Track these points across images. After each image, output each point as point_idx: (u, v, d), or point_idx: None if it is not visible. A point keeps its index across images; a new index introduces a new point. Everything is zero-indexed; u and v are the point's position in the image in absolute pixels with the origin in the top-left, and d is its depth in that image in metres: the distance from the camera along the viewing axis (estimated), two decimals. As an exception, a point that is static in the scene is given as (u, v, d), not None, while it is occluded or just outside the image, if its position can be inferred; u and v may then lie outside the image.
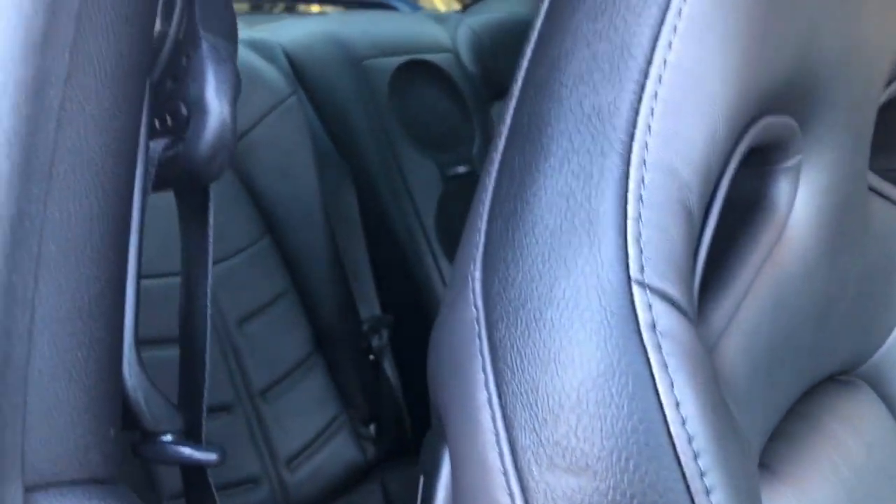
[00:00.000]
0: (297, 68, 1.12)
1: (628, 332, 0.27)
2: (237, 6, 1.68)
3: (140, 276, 0.35)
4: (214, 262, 0.95)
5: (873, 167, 0.42)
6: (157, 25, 0.33)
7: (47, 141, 0.27)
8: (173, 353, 0.57)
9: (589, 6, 0.29)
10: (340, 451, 1.01)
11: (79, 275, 0.29)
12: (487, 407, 0.28)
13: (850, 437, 0.42)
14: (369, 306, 1.06)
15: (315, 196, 1.03)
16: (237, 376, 0.94)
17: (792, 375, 0.40)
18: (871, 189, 0.44)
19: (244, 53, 1.03)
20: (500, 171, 0.30)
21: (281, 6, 1.73)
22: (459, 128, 1.18)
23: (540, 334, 0.27)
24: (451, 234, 1.10)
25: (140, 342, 0.34)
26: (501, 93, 1.42)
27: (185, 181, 0.37)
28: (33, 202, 0.27)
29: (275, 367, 0.98)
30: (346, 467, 1.01)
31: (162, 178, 0.37)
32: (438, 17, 1.44)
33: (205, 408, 0.38)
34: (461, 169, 1.14)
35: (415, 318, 1.07)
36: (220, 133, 0.34)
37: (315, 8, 1.98)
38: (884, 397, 0.47)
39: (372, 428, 1.04)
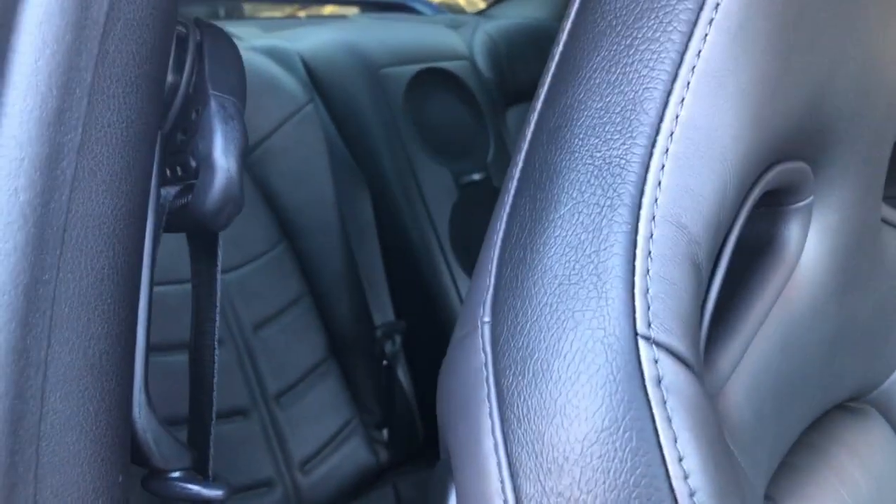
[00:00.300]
0: (315, 76, 1.13)
1: (634, 387, 0.27)
2: (254, 7, 1.70)
3: (150, 320, 0.36)
4: (232, 268, 0.97)
5: (885, 195, 0.42)
6: (169, 78, 0.34)
7: (60, 210, 0.29)
8: (180, 358, 0.60)
9: (603, 57, 0.29)
10: (353, 455, 1.03)
11: (90, 332, 0.30)
12: (493, 454, 0.28)
13: (856, 469, 0.42)
14: (383, 312, 1.07)
15: (331, 203, 1.04)
16: (253, 381, 0.96)
17: (800, 409, 0.41)
18: (884, 220, 0.44)
19: (262, 61, 1.05)
20: (510, 217, 0.31)
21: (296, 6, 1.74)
22: (474, 135, 1.19)
23: (547, 385, 0.28)
24: (465, 241, 1.11)
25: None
26: (517, 99, 1.43)
27: (194, 228, 0.39)
28: (47, 269, 0.29)
29: (290, 372, 1.00)
30: (358, 471, 1.03)
31: (173, 223, 0.39)
32: (455, 23, 1.44)
33: (212, 444, 0.40)
34: (475, 176, 1.15)
35: (428, 324, 1.08)
36: (227, 189, 0.35)
37: (328, 9, 1.99)
38: (893, 423, 0.47)
39: (384, 432, 1.06)
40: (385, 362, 1.06)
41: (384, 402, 1.06)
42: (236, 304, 0.97)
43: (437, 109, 1.16)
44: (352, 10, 1.97)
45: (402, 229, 1.08)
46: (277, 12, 2.02)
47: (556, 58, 0.32)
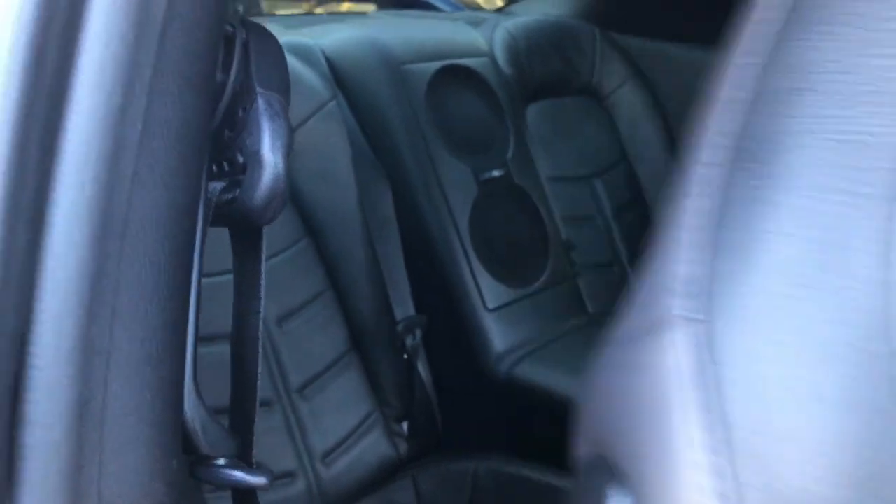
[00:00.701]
0: (337, 73, 1.14)
1: (878, 408, 0.22)
2: (271, 5, 1.71)
3: (199, 311, 0.37)
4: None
5: None
6: (217, 76, 0.35)
7: (121, 204, 0.30)
8: (221, 349, 0.61)
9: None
10: (374, 447, 1.05)
11: (148, 323, 0.31)
12: (704, 471, 0.23)
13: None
14: (404, 306, 1.09)
15: (353, 199, 1.05)
16: (276, 374, 0.97)
17: None
18: None
19: (292, 60, 1.06)
20: (721, 195, 0.25)
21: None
22: (494, 131, 1.19)
23: (775, 400, 0.23)
24: (485, 237, 1.12)
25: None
26: (536, 95, 1.43)
27: (240, 222, 0.40)
28: (110, 260, 0.30)
29: (312, 365, 1.01)
30: (379, 463, 1.04)
31: (218, 217, 0.40)
32: (476, 20, 1.45)
33: (255, 433, 0.41)
34: (496, 172, 1.16)
35: (448, 318, 1.09)
36: (274, 185, 0.36)
37: (345, 6, 2.00)
38: None
39: (405, 425, 1.07)
40: (405, 356, 1.07)
41: (404, 396, 1.07)
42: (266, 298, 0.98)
43: (458, 106, 1.16)
44: (369, 7, 1.98)
45: (422, 225, 1.09)
46: (296, 9, 2.03)
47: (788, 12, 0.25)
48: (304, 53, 1.13)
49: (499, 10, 1.78)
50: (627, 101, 1.55)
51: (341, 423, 1.02)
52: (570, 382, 1.00)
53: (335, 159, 1.06)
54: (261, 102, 0.36)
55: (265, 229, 1.01)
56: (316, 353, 1.02)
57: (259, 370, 0.43)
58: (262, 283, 0.42)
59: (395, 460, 1.06)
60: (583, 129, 1.49)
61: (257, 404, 0.42)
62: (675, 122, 1.57)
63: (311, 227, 1.06)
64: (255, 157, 0.36)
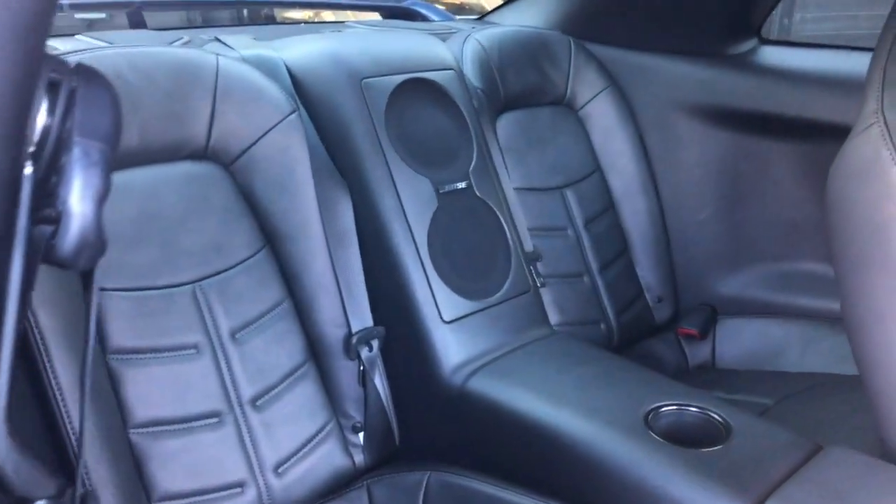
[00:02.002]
0: (299, 85, 1.15)
1: None
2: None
3: (16, 346, 0.37)
4: (213, 274, 0.99)
5: None
6: (46, 121, 0.36)
7: None
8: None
9: None
10: (329, 458, 1.06)
11: None
12: None
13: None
14: (361, 317, 1.09)
15: (312, 209, 1.07)
16: (229, 385, 0.99)
17: None
18: None
19: (249, 71, 1.07)
20: None
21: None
22: (457, 144, 1.20)
23: None
24: (443, 249, 1.13)
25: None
26: (508, 106, 1.44)
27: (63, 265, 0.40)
28: None
29: (267, 376, 1.02)
30: (334, 473, 1.06)
31: (51, 259, 0.40)
32: (447, 33, 1.46)
33: (80, 468, 0.41)
34: (457, 185, 1.17)
35: (404, 330, 1.10)
36: (82, 234, 0.37)
37: (330, 15, 2.02)
38: None
39: (361, 436, 1.08)
40: (362, 367, 1.08)
41: (361, 407, 1.08)
42: (215, 310, 1.00)
43: (419, 119, 1.17)
44: (372, 16, 1.99)
45: (381, 236, 1.10)
46: (304, 15, 2.04)
47: None
48: (267, 66, 1.15)
49: (478, 19, 1.79)
50: (601, 111, 1.56)
51: (295, 434, 1.03)
52: (522, 396, 1.00)
53: (294, 170, 1.07)
54: (76, 152, 0.37)
55: (222, 239, 1.01)
56: (271, 364, 1.03)
57: (86, 401, 0.43)
58: (93, 318, 0.43)
59: (350, 471, 1.07)
60: (556, 140, 1.50)
61: (83, 440, 0.42)
62: (648, 133, 1.57)
63: (270, 237, 1.08)
64: (65, 207, 0.37)
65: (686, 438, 0.90)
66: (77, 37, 1.19)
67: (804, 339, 1.45)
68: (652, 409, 0.94)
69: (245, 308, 1.03)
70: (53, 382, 0.82)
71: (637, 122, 1.57)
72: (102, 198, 0.38)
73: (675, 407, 0.95)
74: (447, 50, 1.27)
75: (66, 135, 0.37)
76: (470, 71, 1.35)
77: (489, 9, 1.80)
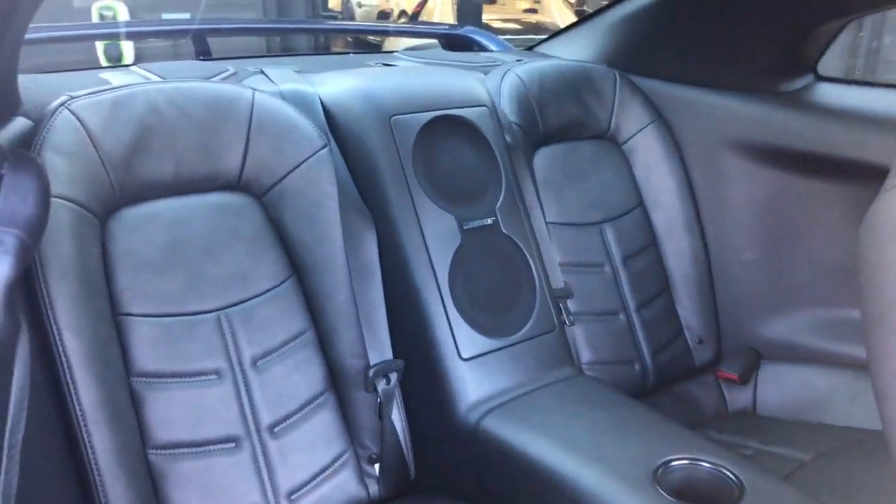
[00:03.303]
0: (332, 120, 1.18)
1: None
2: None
3: None
4: (239, 302, 1.03)
5: None
6: None
7: None
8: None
9: None
10: (343, 487, 1.07)
11: None
12: None
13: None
14: (381, 350, 1.11)
15: (337, 244, 1.09)
16: (248, 411, 1.02)
17: None
18: None
19: (284, 107, 1.11)
20: None
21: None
22: (485, 180, 1.21)
23: None
24: (465, 286, 1.13)
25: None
26: (549, 139, 1.44)
27: None
28: None
29: (286, 403, 1.05)
30: (347, 502, 1.07)
31: None
32: (490, 66, 1.47)
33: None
34: (483, 221, 1.17)
35: (423, 365, 1.11)
36: None
37: (406, 41, 2.07)
38: None
39: (377, 467, 1.10)
40: (379, 399, 1.09)
41: (378, 439, 1.10)
42: (238, 337, 1.03)
43: (447, 155, 1.18)
44: (430, 41, 2.03)
45: (403, 271, 1.12)
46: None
47: None
48: (303, 101, 1.18)
49: (529, 49, 1.80)
50: (646, 145, 1.53)
51: (311, 462, 1.05)
52: (533, 439, 1.00)
53: (323, 204, 1.10)
54: None
55: (249, 268, 1.04)
56: (291, 392, 1.06)
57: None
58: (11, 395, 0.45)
59: (364, 501, 1.08)
60: (597, 174, 1.48)
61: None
62: (693, 169, 1.54)
63: (297, 268, 1.11)
64: None
65: (695, 496, 0.88)
66: (132, 68, 1.26)
67: (851, 391, 1.38)
68: (663, 463, 0.92)
69: (268, 336, 1.06)
70: (76, 403, 0.87)
71: (683, 158, 1.54)
72: (11, 285, 0.40)
73: (687, 461, 0.92)
74: (482, 86, 1.28)
75: None
76: (507, 105, 1.35)
77: (563, 27, 1.80)
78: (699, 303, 1.53)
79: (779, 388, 1.47)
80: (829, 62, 1.56)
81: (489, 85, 1.35)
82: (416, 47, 2.13)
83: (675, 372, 1.48)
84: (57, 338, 0.86)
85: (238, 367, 1.03)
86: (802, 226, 1.46)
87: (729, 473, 0.90)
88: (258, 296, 1.06)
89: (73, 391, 0.86)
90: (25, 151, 0.42)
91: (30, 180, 0.41)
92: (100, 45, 2.28)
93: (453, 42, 1.96)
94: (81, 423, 0.87)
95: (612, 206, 1.48)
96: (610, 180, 1.50)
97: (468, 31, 2.01)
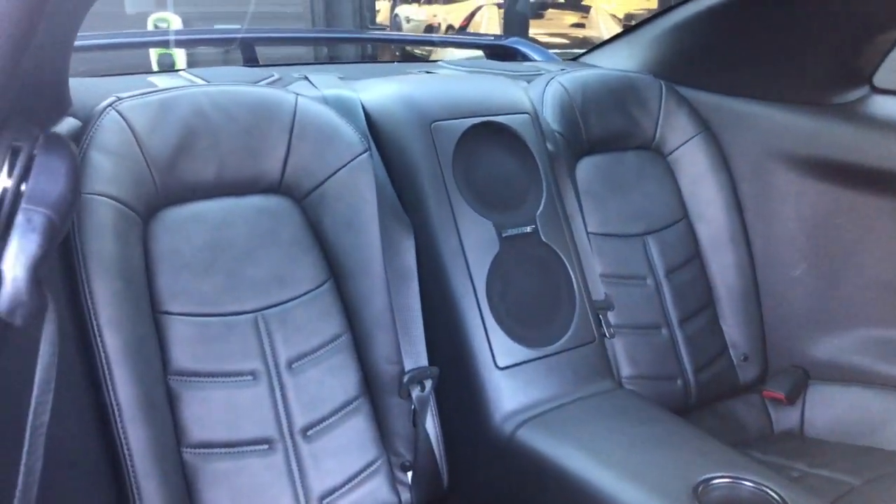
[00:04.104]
0: (374, 126, 1.18)
1: None
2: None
3: None
4: (276, 304, 1.03)
5: None
6: (3, 183, 0.39)
7: None
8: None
9: None
10: (375, 494, 1.06)
11: None
12: None
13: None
14: (417, 357, 1.10)
15: (375, 249, 1.09)
16: (282, 413, 1.02)
17: None
18: None
19: (326, 112, 1.12)
20: None
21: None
22: (525, 188, 1.19)
23: None
24: (502, 294, 1.12)
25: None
26: (592, 149, 1.42)
27: None
28: None
29: (320, 407, 1.05)
30: (378, 509, 1.06)
31: None
32: (534, 75, 1.46)
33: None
34: (522, 229, 1.16)
35: (458, 373, 1.10)
36: (14, 296, 0.39)
37: (453, 51, 2.07)
38: None
39: (410, 474, 1.08)
40: (413, 406, 1.08)
41: (411, 446, 1.09)
42: (274, 339, 1.04)
43: (487, 162, 1.18)
44: (476, 53, 2.04)
45: (440, 278, 1.11)
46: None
47: None
48: (345, 106, 1.19)
49: (574, 59, 1.78)
50: (691, 157, 1.51)
51: (344, 467, 1.05)
52: (570, 452, 0.97)
53: (362, 209, 1.10)
54: (20, 217, 0.39)
55: (287, 271, 1.04)
56: (325, 395, 1.05)
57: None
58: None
59: (395, 508, 1.07)
60: (640, 185, 1.46)
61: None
62: (741, 182, 1.50)
63: (335, 272, 1.11)
64: (1, 270, 0.39)
65: None
66: (179, 73, 1.28)
67: (905, 415, 1.33)
68: (704, 481, 0.89)
69: (304, 339, 1.06)
70: (113, 398, 0.88)
71: (730, 171, 1.50)
72: (37, 263, 0.40)
73: (729, 480, 0.89)
74: (524, 93, 1.27)
75: (18, 199, 0.40)
76: (550, 114, 1.34)
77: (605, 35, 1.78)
78: (744, 319, 1.49)
79: (828, 409, 1.42)
80: (886, 75, 1.51)
81: (532, 93, 1.34)
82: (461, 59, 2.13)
83: (718, 389, 1.44)
84: (97, 333, 0.87)
85: (274, 368, 1.03)
86: (854, 241, 1.41)
87: (773, 494, 0.87)
88: (295, 298, 1.07)
89: (110, 387, 0.87)
90: (58, 134, 0.42)
91: (60, 161, 0.41)
92: (153, 55, 2.36)
93: (498, 52, 1.96)
94: (118, 419, 0.88)
95: (656, 217, 1.45)
96: (654, 192, 1.47)
97: (513, 41, 2.01)
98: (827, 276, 1.45)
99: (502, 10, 7.40)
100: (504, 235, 1.14)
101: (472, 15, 8.11)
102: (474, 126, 1.17)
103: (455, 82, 1.29)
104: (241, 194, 1.08)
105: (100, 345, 0.87)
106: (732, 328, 1.48)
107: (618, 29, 7.69)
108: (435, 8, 9.32)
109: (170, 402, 0.96)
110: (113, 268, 0.90)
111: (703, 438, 1.00)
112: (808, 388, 1.45)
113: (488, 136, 1.19)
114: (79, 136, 0.95)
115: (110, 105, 0.97)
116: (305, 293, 1.08)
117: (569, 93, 1.38)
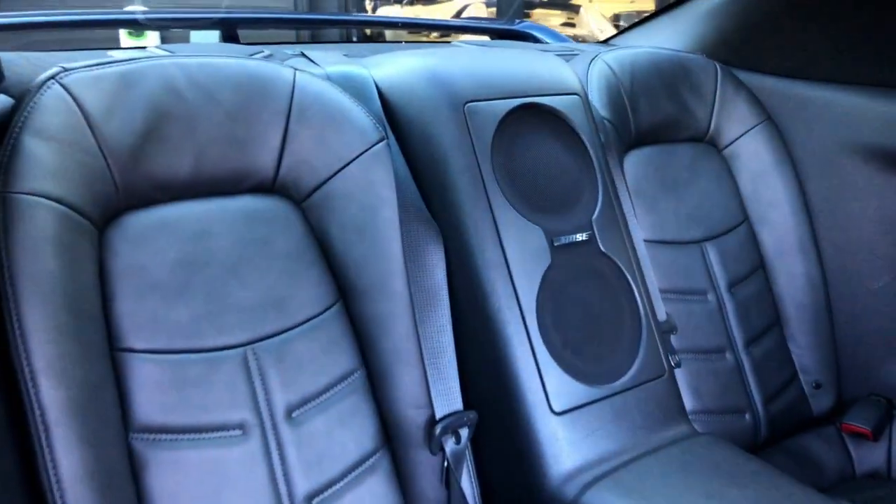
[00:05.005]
0: (391, 109, 0.96)
1: None
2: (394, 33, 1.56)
3: None
4: (269, 336, 0.80)
5: None
6: None
7: None
8: None
9: None
10: (399, 574, 0.84)
11: None
12: None
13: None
14: (449, 399, 0.87)
15: (396, 261, 0.86)
16: (279, 479, 0.78)
17: None
18: None
19: (331, 90, 0.89)
20: None
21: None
22: (579, 186, 0.97)
23: None
24: (557, 319, 0.90)
25: None
26: (640, 141, 1.20)
27: None
28: None
29: (329, 467, 0.82)
30: None
31: None
32: (569, 54, 1.24)
33: None
34: (577, 237, 0.93)
35: (503, 419, 0.87)
36: None
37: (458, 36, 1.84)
38: None
39: (441, 548, 0.86)
40: (445, 462, 0.85)
41: (443, 511, 0.86)
42: (269, 381, 0.80)
43: (534, 154, 0.95)
44: (482, 38, 1.81)
45: (478, 298, 0.88)
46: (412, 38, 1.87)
47: None
48: (355, 86, 0.96)
49: (602, 43, 1.57)
50: (752, 151, 1.29)
51: (359, 542, 0.82)
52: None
53: (378, 211, 0.87)
54: None
55: (283, 293, 0.82)
56: (335, 452, 0.82)
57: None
58: None
59: (424, 592, 0.84)
60: (695, 183, 1.24)
61: None
62: (810, 180, 1.29)
63: (344, 292, 0.88)
64: None
65: None
66: (148, 48, 1.04)
67: None
68: None
69: (307, 379, 0.83)
70: (53, 473, 0.64)
71: (797, 167, 1.29)
72: None
73: None
74: (571, 72, 1.05)
75: None
76: (596, 98, 1.12)
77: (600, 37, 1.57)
78: (816, 340, 1.28)
79: (921, 446, 1.21)
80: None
81: (575, 73, 1.12)
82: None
83: (789, 423, 1.23)
84: (30, 384, 0.64)
85: (269, 419, 0.80)
86: (950, 249, 1.21)
87: None
88: (295, 327, 0.84)
89: (50, 457, 0.64)
90: None
91: None
92: (124, 35, 2.10)
93: (507, 38, 1.74)
94: (59, 499, 0.64)
95: (714, 221, 1.24)
96: (710, 191, 1.26)
97: (526, 26, 1.79)
98: (914, 289, 1.24)
99: (489, 10, 7.21)
100: (556, 245, 0.91)
101: (458, 14, 7.91)
102: (517, 108, 0.94)
103: (489, 56, 1.06)
104: (225, 195, 0.85)
105: (35, 399, 0.64)
106: (802, 351, 1.27)
107: (611, 29, 7.51)
108: (417, 9, 9.12)
109: (133, 469, 0.73)
110: (54, 294, 0.66)
111: (813, 498, 0.79)
112: (895, 420, 1.24)
113: (532, 121, 0.96)
114: (9, 118, 0.71)
115: (53, 77, 0.74)
116: (308, 320, 0.85)
117: (616, 74, 1.17)
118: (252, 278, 0.82)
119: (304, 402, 0.82)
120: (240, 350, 0.80)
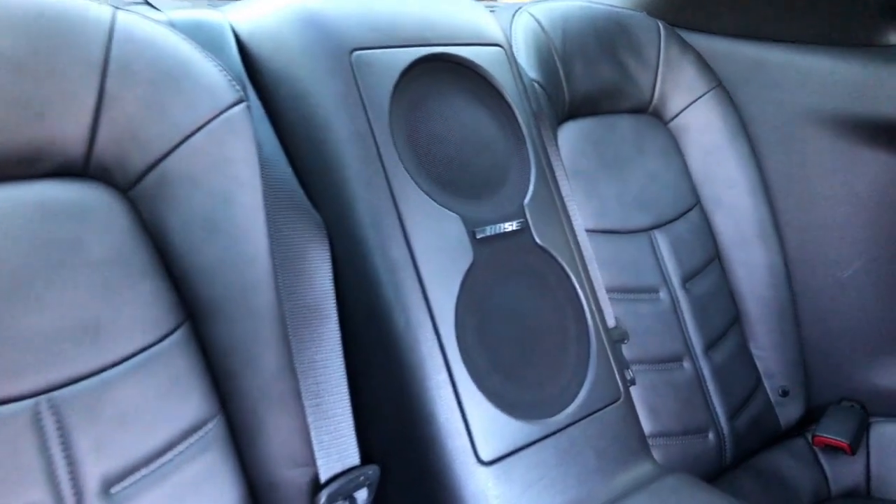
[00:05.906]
0: (253, 62, 0.72)
1: None
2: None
3: None
4: (82, 377, 0.56)
5: None
6: None
7: None
8: None
9: None
10: None
11: None
12: None
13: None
14: (340, 452, 0.65)
15: (262, 265, 0.63)
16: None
17: None
18: None
19: (167, 36, 0.65)
20: None
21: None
22: (505, 163, 0.76)
23: None
24: (481, 336, 0.68)
25: None
26: (575, 112, 1.00)
27: None
28: None
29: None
30: None
31: None
32: (489, 6, 1.03)
33: None
34: (505, 227, 0.72)
35: (412, 474, 0.65)
36: None
37: None
38: None
39: None
40: (338, 539, 0.63)
41: None
42: (76, 445, 0.56)
43: (446, 119, 0.73)
44: None
45: (377, 311, 0.66)
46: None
47: None
48: (206, 34, 0.73)
49: None
50: (702, 122, 1.12)
51: None
52: None
53: (234, 199, 0.64)
54: None
55: (101, 314, 0.58)
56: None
57: None
58: None
59: None
60: (640, 162, 1.06)
61: None
62: (768, 154, 1.13)
63: (191, 309, 0.64)
64: None
65: None
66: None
67: None
68: None
69: (134, 438, 0.59)
70: None
71: (753, 140, 1.12)
72: None
73: None
74: (492, 18, 0.83)
75: None
76: (523, 57, 0.92)
77: None
78: (780, 339, 1.11)
79: (903, 457, 1.06)
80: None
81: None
82: None
83: (756, 439, 1.05)
84: None
85: (72, 500, 0.55)
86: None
87: None
88: (117, 363, 0.59)
89: None
90: None
91: None
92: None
93: None
94: None
95: (663, 205, 1.05)
96: (657, 170, 1.07)
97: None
98: (887, 278, 1.09)
99: None
100: (479, 237, 0.70)
101: None
102: (422, 59, 0.72)
103: None
104: (11, 180, 0.60)
105: None
106: (766, 353, 1.10)
107: None
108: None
109: None
110: None
111: None
112: (871, 429, 1.09)
113: (445, 77, 0.74)
114: None
115: None
116: (136, 353, 0.60)
117: (545, 30, 0.96)
118: (50, 297, 0.58)
119: (130, 471, 0.58)
120: (28, 402, 0.55)
